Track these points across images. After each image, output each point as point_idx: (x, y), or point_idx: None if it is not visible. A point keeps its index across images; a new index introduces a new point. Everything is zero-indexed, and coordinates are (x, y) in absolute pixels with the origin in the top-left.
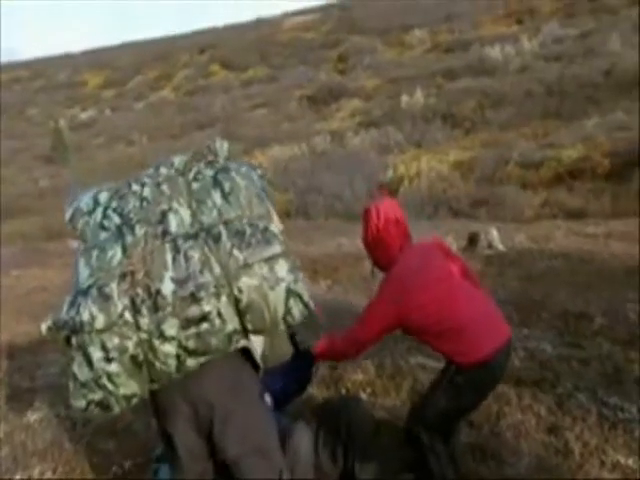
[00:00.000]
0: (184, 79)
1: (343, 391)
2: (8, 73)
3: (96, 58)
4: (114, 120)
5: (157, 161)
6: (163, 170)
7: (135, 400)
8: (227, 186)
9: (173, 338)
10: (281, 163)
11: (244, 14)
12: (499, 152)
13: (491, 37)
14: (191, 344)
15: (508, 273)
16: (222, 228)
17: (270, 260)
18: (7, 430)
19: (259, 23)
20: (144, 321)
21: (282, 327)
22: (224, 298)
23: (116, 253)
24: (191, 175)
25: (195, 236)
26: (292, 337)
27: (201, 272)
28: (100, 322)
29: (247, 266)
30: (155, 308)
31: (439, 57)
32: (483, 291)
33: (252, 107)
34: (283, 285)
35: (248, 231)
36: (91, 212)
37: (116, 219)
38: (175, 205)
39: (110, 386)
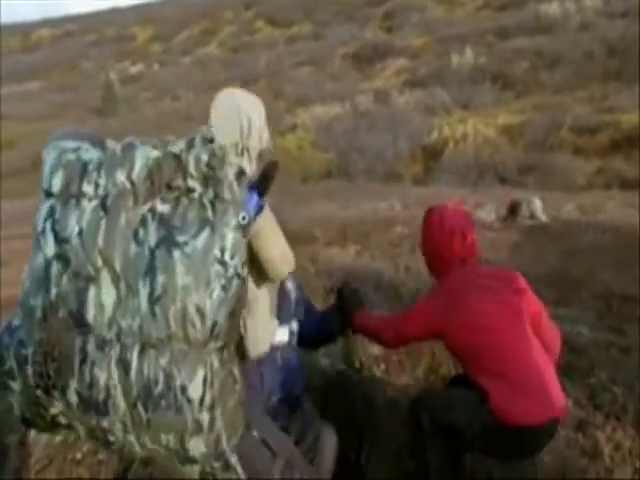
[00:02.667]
0: (229, 35)
1: (357, 365)
2: (60, 27)
3: (143, 13)
4: (161, 74)
5: (141, 139)
6: (120, 176)
7: None
8: (159, 284)
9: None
10: (324, 122)
11: None
12: (552, 116)
13: None
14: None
15: (549, 246)
16: (135, 355)
17: (180, 434)
18: None
19: None
20: (57, 403)
21: None
22: (132, 438)
23: (37, 308)
24: (140, 212)
25: (108, 345)
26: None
27: (104, 403)
28: (17, 386)
29: (151, 428)
30: (66, 403)
31: (491, 15)
32: (548, 354)
33: (296, 64)
34: (196, 468)
35: (159, 384)
36: (47, 190)
37: (51, 242)
38: (103, 274)
39: None
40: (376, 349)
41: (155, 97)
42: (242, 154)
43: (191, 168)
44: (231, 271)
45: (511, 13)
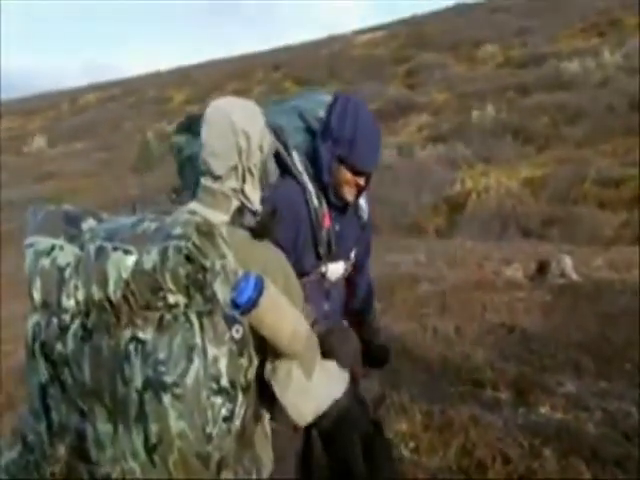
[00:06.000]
0: (259, 94)
1: None
2: (106, 91)
3: (181, 75)
4: None
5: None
6: (97, 293)
7: None
8: (152, 432)
9: None
10: None
11: (317, 32)
12: (574, 169)
13: (568, 51)
14: None
15: (583, 309)
16: None
17: None
18: None
19: (331, 40)
20: None
21: None
22: None
23: (43, 434)
24: (123, 341)
25: None
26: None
27: None
28: None
29: None
30: None
31: (512, 72)
32: None
33: None
34: None
35: None
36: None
37: (42, 366)
38: (96, 410)
39: None
40: (404, 425)
41: None
42: (244, 178)
43: (169, 284)
44: (233, 393)
45: (531, 71)
